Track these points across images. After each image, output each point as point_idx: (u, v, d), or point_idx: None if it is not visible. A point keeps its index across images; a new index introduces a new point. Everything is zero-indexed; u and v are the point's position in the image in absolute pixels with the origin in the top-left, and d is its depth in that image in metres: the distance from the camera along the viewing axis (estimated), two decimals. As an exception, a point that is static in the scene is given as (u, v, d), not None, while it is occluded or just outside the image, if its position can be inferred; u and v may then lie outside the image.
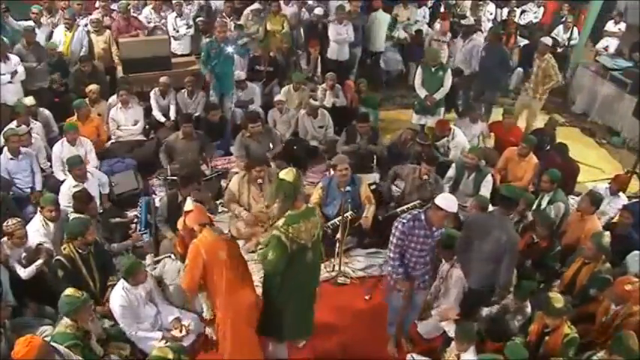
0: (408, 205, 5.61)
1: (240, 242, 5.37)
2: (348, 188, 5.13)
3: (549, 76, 7.29)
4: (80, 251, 4.30)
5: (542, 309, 3.92)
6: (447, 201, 3.88)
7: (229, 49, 6.96)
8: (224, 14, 8.67)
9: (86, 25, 8.02)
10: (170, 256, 4.72)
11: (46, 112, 6.61)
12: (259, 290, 4.09)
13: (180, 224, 4.04)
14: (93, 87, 6.72)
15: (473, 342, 3.84)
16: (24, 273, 4.37)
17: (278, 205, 3.76)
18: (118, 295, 4.10)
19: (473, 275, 4.30)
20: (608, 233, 4.54)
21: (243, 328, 3.89)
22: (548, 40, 7.49)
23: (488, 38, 8.13)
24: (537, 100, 7.53)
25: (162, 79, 7.09)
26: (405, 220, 3.96)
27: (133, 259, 4.25)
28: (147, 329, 4.19)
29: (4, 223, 4.40)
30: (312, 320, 4.23)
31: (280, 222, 3.66)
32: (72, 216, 4.71)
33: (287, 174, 3.73)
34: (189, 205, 3.99)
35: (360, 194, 5.44)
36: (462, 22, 8.57)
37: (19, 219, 4.51)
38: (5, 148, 5.65)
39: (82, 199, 4.84)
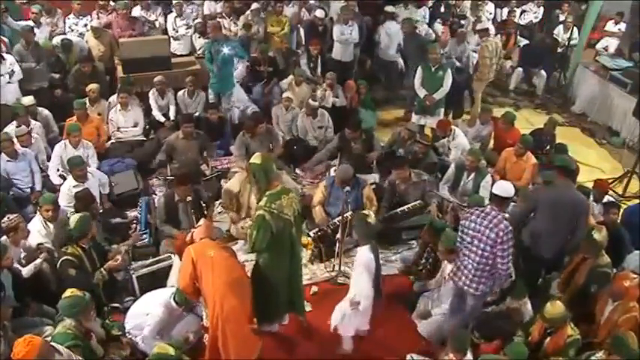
0: (409, 206, 5.62)
1: (240, 242, 5.40)
2: (347, 188, 5.13)
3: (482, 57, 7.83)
4: (84, 247, 4.35)
5: (539, 314, 3.95)
6: (503, 189, 4.11)
7: (225, 49, 6.95)
8: (224, 14, 8.68)
9: (85, 26, 8.03)
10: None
11: (46, 111, 6.61)
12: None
13: (188, 237, 4.16)
14: (93, 86, 6.72)
15: (467, 351, 3.85)
16: (24, 271, 4.38)
17: (254, 187, 3.90)
18: (159, 307, 4.10)
19: (547, 245, 4.58)
20: (603, 227, 4.52)
21: (241, 325, 3.91)
22: (483, 25, 8.62)
23: (404, 29, 8.18)
24: (478, 82, 8.04)
25: (157, 79, 7.08)
26: (510, 227, 3.98)
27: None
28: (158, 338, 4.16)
29: (4, 220, 4.40)
30: (303, 299, 4.46)
31: (262, 202, 3.85)
32: (73, 216, 4.70)
33: (256, 158, 4.01)
34: (202, 220, 4.38)
35: (363, 195, 5.44)
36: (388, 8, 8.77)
37: (14, 214, 4.50)
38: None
39: (84, 200, 4.84)
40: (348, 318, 4.11)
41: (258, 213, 3.84)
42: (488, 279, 4.09)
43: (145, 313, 4.16)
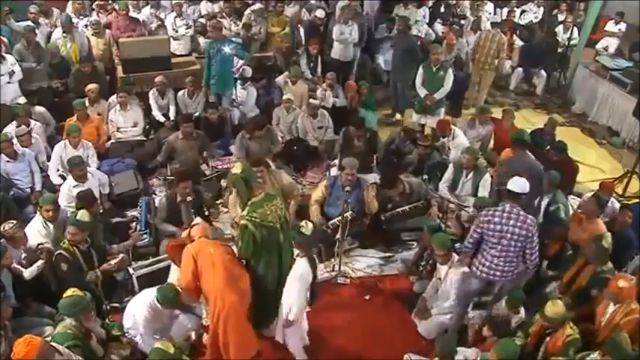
0: (410, 206, 5.62)
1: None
2: (348, 188, 5.14)
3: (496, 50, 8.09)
4: (80, 247, 4.35)
5: (539, 313, 3.95)
6: (519, 185, 4.19)
7: (226, 48, 6.95)
8: (224, 14, 8.68)
9: (86, 26, 8.02)
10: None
11: (41, 109, 6.59)
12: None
13: (185, 234, 4.20)
14: (92, 86, 6.71)
15: (454, 353, 3.87)
16: (26, 273, 4.37)
17: (237, 198, 3.94)
18: (144, 308, 4.07)
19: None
20: (609, 235, 4.56)
21: (241, 321, 3.92)
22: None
23: (397, 28, 8.21)
24: (485, 72, 8.25)
25: (158, 79, 7.09)
26: (535, 220, 4.21)
27: (173, 290, 4.04)
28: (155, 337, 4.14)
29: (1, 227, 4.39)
30: None
31: (245, 211, 3.89)
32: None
33: (236, 168, 4.06)
34: (197, 219, 4.38)
35: (364, 197, 5.43)
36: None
37: (14, 221, 4.48)
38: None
39: (86, 200, 4.83)
40: (290, 333, 4.15)
41: (241, 222, 3.92)
42: (519, 264, 4.33)
43: (132, 314, 4.16)
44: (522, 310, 4.34)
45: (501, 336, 3.97)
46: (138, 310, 4.10)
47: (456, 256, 4.57)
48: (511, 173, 4.75)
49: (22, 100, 6.38)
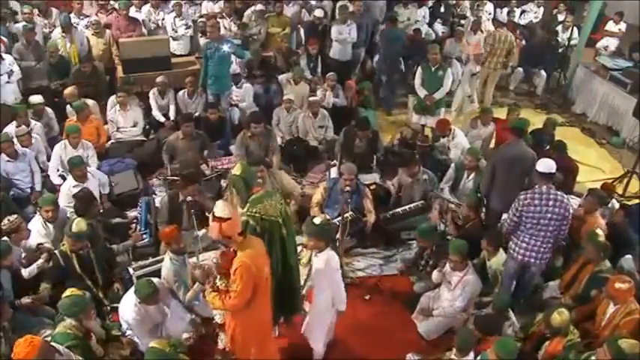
0: (410, 205, 5.62)
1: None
2: (348, 188, 5.13)
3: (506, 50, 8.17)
4: (81, 252, 4.34)
5: (544, 320, 3.97)
6: (547, 165, 4.28)
7: (225, 47, 6.95)
8: (224, 14, 8.68)
9: (87, 27, 8.02)
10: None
11: (49, 110, 6.59)
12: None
13: (214, 232, 3.37)
14: (68, 92, 6.60)
15: (472, 349, 3.86)
16: (25, 272, 4.38)
17: (237, 198, 3.95)
18: (131, 310, 4.06)
19: (503, 196, 4.95)
20: (601, 232, 4.61)
21: (267, 340, 3.89)
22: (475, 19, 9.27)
23: (385, 23, 8.30)
24: (495, 71, 8.38)
25: (159, 79, 7.09)
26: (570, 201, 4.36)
27: (150, 287, 4.01)
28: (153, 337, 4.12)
29: (2, 222, 4.40)
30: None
31: (245, 209, 3.87)
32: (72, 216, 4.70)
33: (237, 169, 4.05)
34: (223, 210, 3.32)
35: (363, 202, 5.44)
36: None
37: (15, 215, 4.51)
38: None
39: (84, 200, 4.83)
40: (316, 327, 4.15)
41: (242, 219, 3.82)
42: (551, 249, 4.48)
43: (124, 320, 4.15)
44: (512, 315, 4.35)
45: (490, 334, 3.98)
46: (126, 314, 4.09)
47: (471, 265, 4.59)
48: (504, 158, 5.03)
49: (37, 99, 6.36)
